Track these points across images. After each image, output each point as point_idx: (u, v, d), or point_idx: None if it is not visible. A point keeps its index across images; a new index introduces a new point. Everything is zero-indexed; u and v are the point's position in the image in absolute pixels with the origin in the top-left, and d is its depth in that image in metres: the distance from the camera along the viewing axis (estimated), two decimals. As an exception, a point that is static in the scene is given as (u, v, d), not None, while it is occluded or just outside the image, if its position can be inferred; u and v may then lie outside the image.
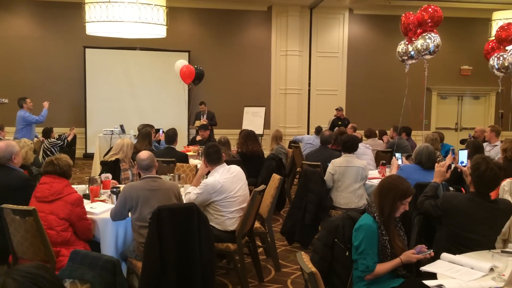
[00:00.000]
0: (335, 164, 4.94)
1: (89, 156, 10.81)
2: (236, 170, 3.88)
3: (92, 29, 7.51)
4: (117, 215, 3.36)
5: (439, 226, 3.21)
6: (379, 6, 12.22)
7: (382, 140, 8.38)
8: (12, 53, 11.33)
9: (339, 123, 10.34)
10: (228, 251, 3.78)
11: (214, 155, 3.83)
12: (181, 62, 9.49)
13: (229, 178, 3.77)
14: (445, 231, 3.07)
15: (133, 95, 11.42)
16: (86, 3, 7.20)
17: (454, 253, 2.74)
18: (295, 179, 7.99)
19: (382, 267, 2.68)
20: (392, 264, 2.70)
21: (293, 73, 12.24)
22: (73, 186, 4.06)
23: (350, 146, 5.01)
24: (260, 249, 4.73)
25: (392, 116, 11.14)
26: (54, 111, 11.25)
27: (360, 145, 6.47)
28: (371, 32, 12.60)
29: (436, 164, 3.61)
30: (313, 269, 2.10)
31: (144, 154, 3.49)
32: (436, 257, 2.74)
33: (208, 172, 3.94)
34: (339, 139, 5.65)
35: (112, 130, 9.27)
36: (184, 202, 3.67)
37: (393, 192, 2.74)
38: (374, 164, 6.42)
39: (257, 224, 4.30)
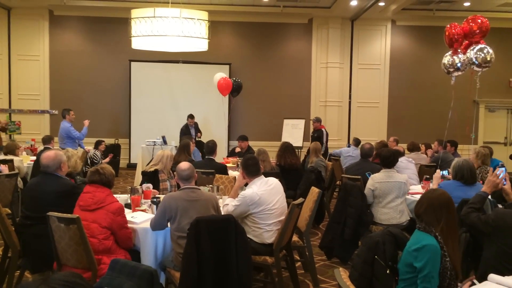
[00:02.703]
0: (376, 180, 4.81)
1: (132, 166, 11.09)
2: (274, 183, 3.86)
3: (137, 43, 7.75)
4: (156, 225, 3.41)
5: (487, 244, 3.05)
6: (423, 17, 11.98)
7: (426, 154, 8.14)
8: (63, 66, 11.87)
9: (315, 135, 9.88)
10: (265, 264, 3.74)
11: (252, 167, 3.83)
12: (219, 74, 9.63)
13: (267, 190, 3.75)
14: (495, 250, 2.91)
15: (175, 107, 11.66)
16: (132, 18, 7.45)
17: (504, 274, 2.60)
18: (334, 193, 7.87)
19: None
20: None
21: (333, 85, 12.16)
22: (115, 195, 4.17)
23: (392, 161, 4.89)
24: (298, 263, 4.67)
25: (436, 129, 10.81)
26: (100, 122, 11.68)
27: (402, 159, 6.32)
28: (415, 43, 12.36)
29: (490, 173, 3.42)
30: (352, 287, 2.04)
31: (184, 165, 3.53)
32: (483, 278, 2.61)
33: (246, 184, 3.94)
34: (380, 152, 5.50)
35: (154, 141, 9.47)
36: (222, 213, 3.68)
37: (451, 205, 2.61)
38: (417, 178, 6.24)
39: (295, 238, 4.25)
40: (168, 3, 7.83)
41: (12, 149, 6.50)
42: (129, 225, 3.46)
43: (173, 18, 7.27)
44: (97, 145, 9.24)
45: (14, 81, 11.92)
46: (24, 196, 3.63)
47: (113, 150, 11.00)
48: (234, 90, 9.67)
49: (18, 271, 3.69)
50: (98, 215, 3.24)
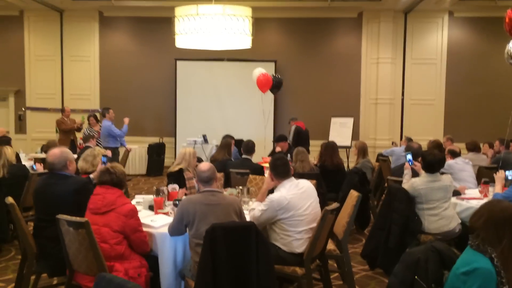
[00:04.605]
0: (416, 186, 4.28)
1: (177, 165, 11.02)
2: (305, 186, 3.49)
3: (181, 42, 7.64)
4: (174, 230, 3.16)
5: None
6: (483, 7, 11.07)
7: (486, 154, 7.41)
8: (112, 66, 12.04)
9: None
10: (295, 276, 3.39)
11: (281, 168, 3.49)
12: (259, 70, 9.29)
13: (297, 194, 3.39)
14: None
15: (220, 106, 11.51)
16: (176, 16, 7.35)
17: None
18: (383, 195, 7.35)
19: None
20: None
21: (384, 82, 11.52)
22: (140, 195, 3.98)
23: (436, 168, 4.35)
24: (336, 274, 4.29)
25: (498, 127, 9.96)
26: (146, 121, 11.77)
27: (458, 160, 5.75)
28: (475, 36, 11.47)
29: None
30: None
31: (204, 166, 3.26)
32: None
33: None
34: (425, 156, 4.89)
35: (195, 140, 9.32)
36: (248, 219, 3.38)
37: None
38: (475, 182, 5.63)
39: (331, 246, 3.87)
40: (211, 0, 7.66)
41: (52, 147, 6.51)
42: (147, 229, 3.24)
43: (216, 15, 7.10)
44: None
45: (67, 82, 12.24)
46: (34, 199, 3.47)
47: (158, 149, 11.02)
48: (274, 87, 9.28)
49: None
50: (109, 219, 3.03)
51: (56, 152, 3.48)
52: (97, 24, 12.10)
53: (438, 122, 11.59)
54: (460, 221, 4.35)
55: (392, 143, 9.34)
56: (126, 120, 8.73)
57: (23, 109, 12.14)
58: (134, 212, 3.13)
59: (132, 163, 10.86)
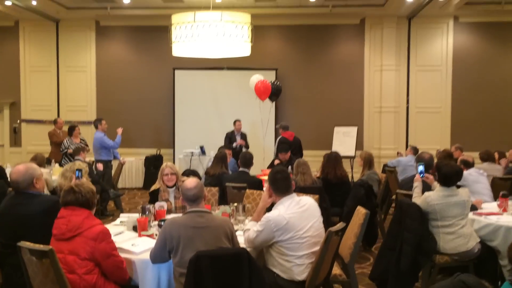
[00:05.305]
0: (431, 201, 3.87)
1: (175, 178, 10.64)
2: (307, 203, 3.09)
3: (178, 50, 7.34)
4: (156, 257, 2.76)
5: None
6: (489, 11, 10.72)
7: (500, 163, 6.99)
8: (109, 77, 11.71)
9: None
10: (295, 307, 2.99)
11: (282, 182, 3.08)
12: (256, 77, 8.91)
13: (297, 212, 2.99)
14: None
15: (220, 116, 11.15)
16: (172, 24, 7.08)
17: None
18: (390, 208, 6.94)
19: None
20: None
21: (388, 90, 11.17)
22: (125, 214, 3.60)
23: (454, 181, 3.95)
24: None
25: (507, 136, 9.60)
26: (143, 132, 11.41)
27: (471, 171, 5.36)
28: (481, 41, 11.11)
29: None
30: None
31: (191, 183, 2.87)
32: None
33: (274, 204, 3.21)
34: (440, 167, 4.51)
35: (192, 152, 8.92)
36: (244, 242, 2.99)
37: None
38: (491, 194, 5.22)
39: (337, 271, 3.47)
40: (209, 7, 7.38)
41: (40, 162, 6.14)
42: (126, 255, 2.84)
43: (214, 22, 6.82)
44: (70, 130, 8.42)
45: (63, 93, 11.93)
46: (-1, 222, 3.07)
47: (155, 162, 10.66)
48: (273, 94, 8.89)
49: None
50: (75, 245, 2.62)
51: (21, 168, 3.07)
52: (93, 34, 11.80)
53: (444, 130, 11.21)
54: (479, 239, 3.94)
55: (398, 153, 8.95)
56: (119, 130, 8.35)
57: (18, 121, 11.83)
58: (104, 235, 2.71)
59: (128, 176, 10.52)
